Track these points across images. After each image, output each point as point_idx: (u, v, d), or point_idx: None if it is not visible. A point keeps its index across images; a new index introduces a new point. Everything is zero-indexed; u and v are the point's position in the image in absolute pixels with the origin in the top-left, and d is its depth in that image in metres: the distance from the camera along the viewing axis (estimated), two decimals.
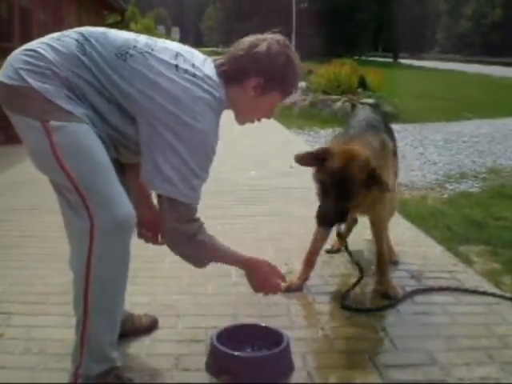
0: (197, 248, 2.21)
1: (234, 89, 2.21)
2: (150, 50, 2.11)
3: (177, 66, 2.09)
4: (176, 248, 2.22)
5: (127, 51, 2.09)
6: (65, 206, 2.12)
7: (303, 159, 2.94)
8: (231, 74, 2.19)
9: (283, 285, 2.58)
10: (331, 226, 2.93)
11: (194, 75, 2.09)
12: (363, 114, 3.49)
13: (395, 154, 3.58)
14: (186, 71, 2.09)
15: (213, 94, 2.10)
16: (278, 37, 2.24)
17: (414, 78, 29.06)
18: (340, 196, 2.79)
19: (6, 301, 2.99)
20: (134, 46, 2.11)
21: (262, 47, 2.18)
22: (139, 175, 2.14)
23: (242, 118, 2.35)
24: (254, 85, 2.19)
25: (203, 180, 2.15)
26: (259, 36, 2.24)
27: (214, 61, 2.26)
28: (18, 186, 5.62)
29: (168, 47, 2.17)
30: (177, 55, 2.14)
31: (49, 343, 2.56)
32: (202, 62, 2.18)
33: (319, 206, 2.88)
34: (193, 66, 2.12)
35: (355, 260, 3.30)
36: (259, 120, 2.37)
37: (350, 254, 3.29)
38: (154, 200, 2.33)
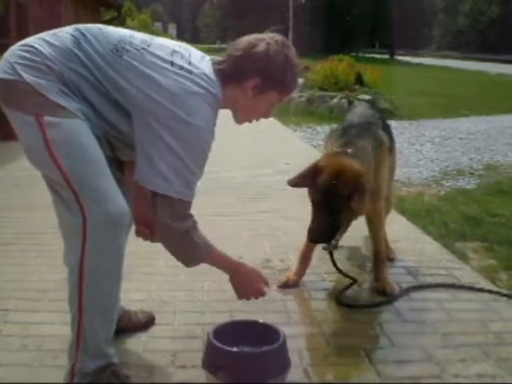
0: (189, 247, 2.19)
1: (232, 88, 2.20)
2: (147, 46, 2.11)
3: (172, 62, 2.09)
4: (168, 244, 2.20)
5: (123, 47, 2.08)
6: (58, 203, 2.12)
7: (296, 183, 2.93)
8: (229, 74, 2.18)
9: (267, 290, 2.50)
10: (321, 242, 2.91)
11: (190, 72, 2.09)
12: (360, 110, 3.50)
13: (393, 150, 3.58)
14: (181, 67, 2.08)
15: (209, 90, 2.09)
16: (277, 36, 2.22)
17: (411, 74, 29.05)
18: (329, 213, 2.79)
19: (2, 297, 2.99)
20: (131, 42, 2.11)
21: (261, 47, 2.16)
22: (134, 173, 2.12)
23: (240, 118, 2.33)
24: (252, 85, 2.18)
25: (198, 176, 2.14)
26: (258, 35, 2.23)
27: (213, 59, 2.25)
28: (14, 183, 5.61)
29: (164, 44, 2.17)
30: (173, 52, 2.13)
31: (45, 340, 2.56)
32: (199, 60, 2.17)
33: (310, 223, 2.86)
34: (189, 63, 2.12)
35: (344, 273, 3.18)
36: (257, 119, 2.36)
37: (337, 268, 3.13)
38: None
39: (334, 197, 2.76)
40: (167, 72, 2.06)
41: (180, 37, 60.41)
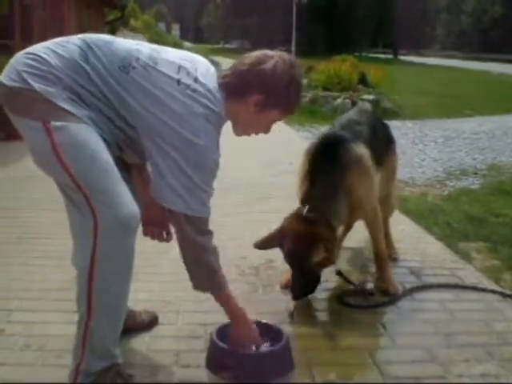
0: (205, 267, 2.24)
1: (235, 102, 2.20)
2: (153, 64, 2.10)
3: (179, 81, 2.09)
4: (188, 259, 2.25)
5: (130, 63, 2.08)
6: (69, 205, 2.13)
7: (263, 245, 3.04)
8: (234, 87, 2.19)
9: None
10: (305, 296, 2.98)
11: (195, 90, 2.09)
12: (346, 117, 3.43)
13: (393, 152, 3.57)
14: (187, 86, 2.09)
15: (212, 109, 2.10)
16: (286, 56, 2.23)
17: (415, 74, 29.04)
18: (302, 271, 2.89)
19: (6, 297, 3.00)
20: (137, 59, 2.10)
21: (269, 64, 2.17)
22: (151, 190, 2.16)
23: (239, 131, 2.35)
24: (255, 101, 2.19)
25: (210, 194, 2.18)
26: (267, 52, 2.23)
27: (219, 71, 2.26)
28: (18, 183, 5.62)
29: (171, 60, 2.15)
30: (179, 69, 2.12)
31: (49, 339, 2.56)
32: (204, 75, 2.16)
33: (291, 279, 2.98)
34: (195, 80, 2.11)
35: (350, 280, 3.26)
36: (256, 134, 2.38)
37: (345, 279, 3.26)
38: None
39: (300, 260, 2.87)
40: (173, 92, 2.06)
41: (183, 37, 60.45)
